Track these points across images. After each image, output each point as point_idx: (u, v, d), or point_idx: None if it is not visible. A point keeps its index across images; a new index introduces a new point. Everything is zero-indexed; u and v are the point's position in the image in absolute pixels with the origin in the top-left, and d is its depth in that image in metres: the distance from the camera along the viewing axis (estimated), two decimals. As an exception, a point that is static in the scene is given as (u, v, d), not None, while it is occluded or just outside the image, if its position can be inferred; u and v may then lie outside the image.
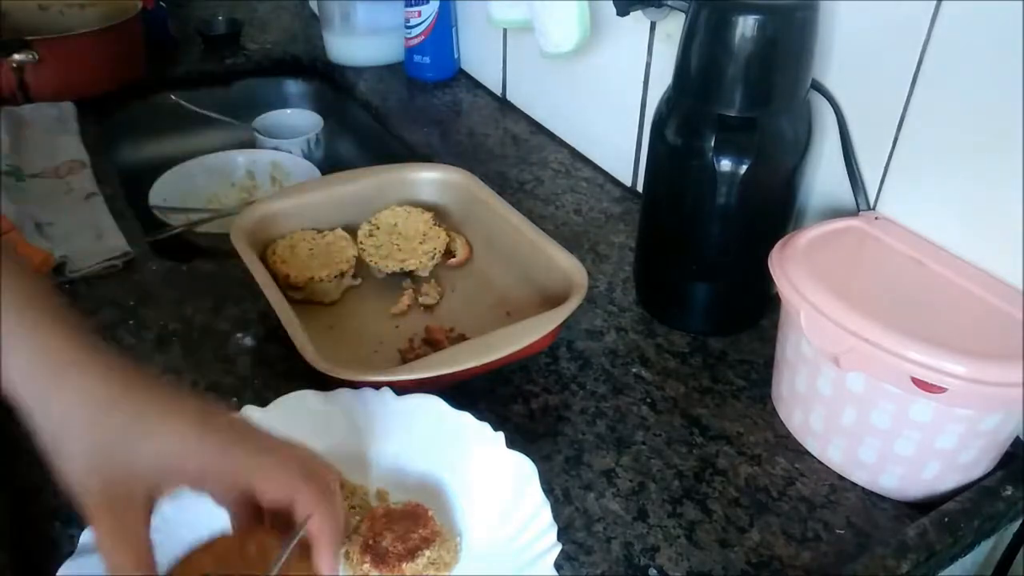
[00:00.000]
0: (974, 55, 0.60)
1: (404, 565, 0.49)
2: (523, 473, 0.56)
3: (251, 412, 0.58)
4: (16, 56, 1.02)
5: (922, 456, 0.58)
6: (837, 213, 0.72)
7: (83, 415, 0.41)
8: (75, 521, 0.51)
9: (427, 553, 0.50)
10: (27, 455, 0.54)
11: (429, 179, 0.87)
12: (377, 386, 0.61)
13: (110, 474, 0.41)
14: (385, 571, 0.49)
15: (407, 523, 0.51)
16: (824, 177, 0.74)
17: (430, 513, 0.52)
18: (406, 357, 0.71)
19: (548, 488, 0.58)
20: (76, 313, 0.45)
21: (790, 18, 0.63)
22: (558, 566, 0.52)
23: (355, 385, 0.61)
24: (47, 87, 1.06)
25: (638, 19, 0.84)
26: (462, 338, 0.72)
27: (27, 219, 0.80)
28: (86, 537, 0.50)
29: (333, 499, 0.44)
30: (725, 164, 0.66)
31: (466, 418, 0.59)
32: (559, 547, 0.51)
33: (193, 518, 0.46)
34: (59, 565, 0.48)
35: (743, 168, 0.66)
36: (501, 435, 0.58)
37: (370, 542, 0.51)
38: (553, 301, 0.69)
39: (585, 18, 0.88)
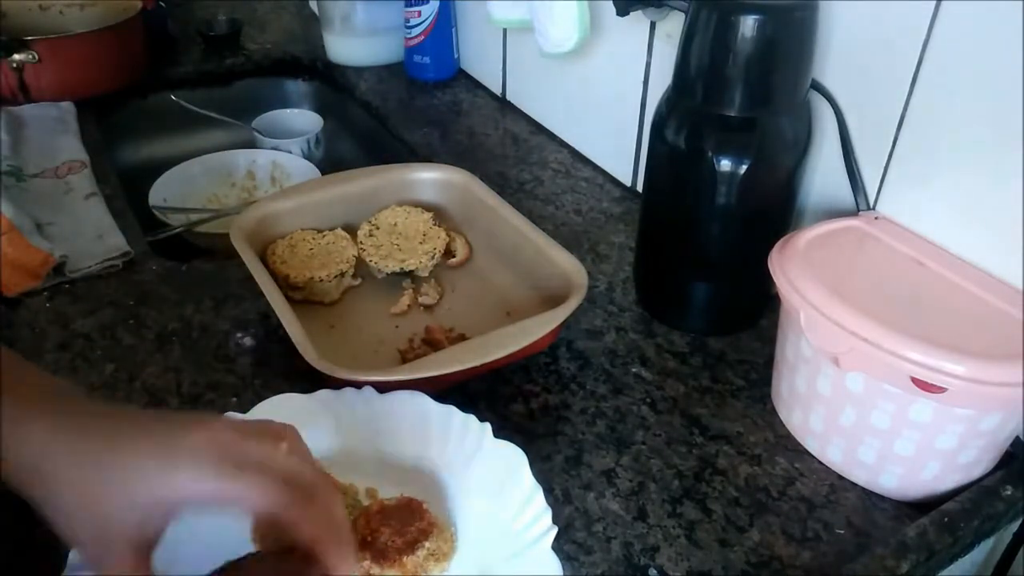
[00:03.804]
0: (974, 55, 0.60)
1: (405, 559, 0.49)
2: (512, 461, 0.56)
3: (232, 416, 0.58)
4: (16, 56, 1.02)
5: (922, 456, 0.58)
6: (837, 213, 0.72)
7: (62, 478, 0.41)
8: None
9: (426, 545, 0.50)
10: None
11: (429, 179, 0.87)
12: (378, 386, 0.61)
13: (95, 525, 0.41)
14: (387, 566, 0.49)
15: (402, 517, 0.51)
16: (824, 177, 0.74)
17: (424, 505, 0.52)
18: (406, 357, 0.71)
19: (548, 488, 0.58)
20: (30, 367, 0.46)
21: (790, 18, 0.63)
22: (558, 566, 0.52)
23: (356, 385, 0.61)
24: (47, 87, 1.06)
25: (638, 19, 0.84)
26: (462, 338, 0.72)
27: (27, 219, 0.80)
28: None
29: (317, 503, 0.43)
30: (725, 164, 0.66)
31: (451, 411, 0.59)
32: (555, 529, 0.52)
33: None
34: (59, 566, 0.48)
35: (743, 168, 0.66)
36: (487, 426, 0.58)
37: (368, 539, 0.51)
38: (553, 301, 0.69)
39: (585, 18, 0.88)
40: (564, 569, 0.51)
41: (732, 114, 0.65)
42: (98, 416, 0.44)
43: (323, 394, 0.61)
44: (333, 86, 1.31)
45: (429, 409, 0.60)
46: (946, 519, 0.57)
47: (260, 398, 0.62)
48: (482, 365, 0.63)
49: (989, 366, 0.53)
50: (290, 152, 1.15)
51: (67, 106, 1.06)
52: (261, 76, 1.32)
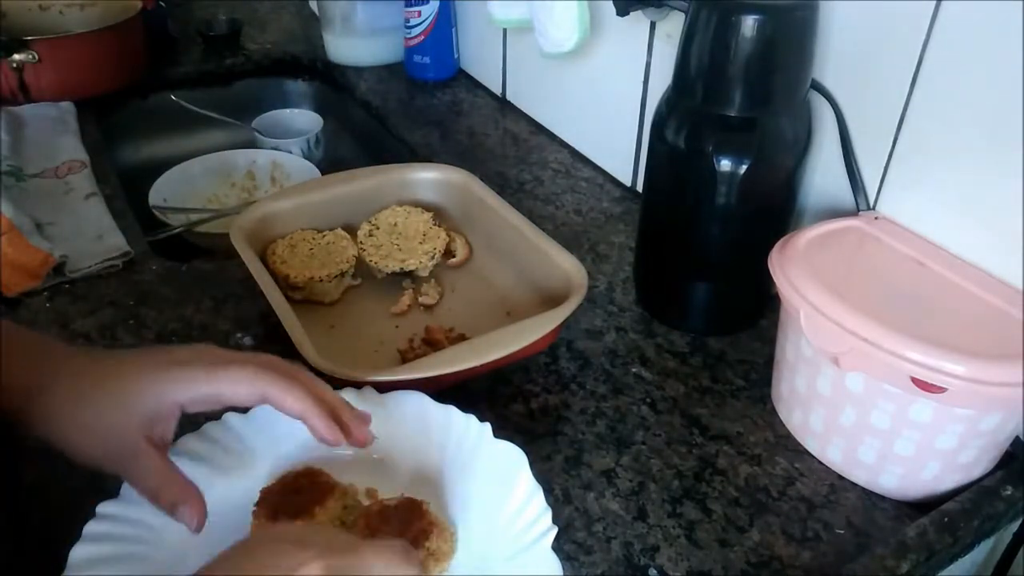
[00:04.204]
0: (974, 55, 0.60)
1: None
2: (513, 461, 0.56)
3: (233, 419, 0.58)
4: (16, 56, 1.02)
5: (922, 456, 0.58)
6: (837, 213, 0.72)
7: (66, 410, 0.48)
8: (75, 520, 0.51)
9: (426, 545, 0.50)
10: (29, 454, 0.54)
11: (429, 179, 0.87)
12: (378, 386, 0.61)
13: (106, 442, 0.48)
14: None
15: (402, 517, 0.51)
16: (824, 177, 0.74)
17: (424, 505, 0.52)
18: (406, 357, 0.71)
19: (548, 488, 0.58)
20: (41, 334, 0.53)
21: (790, 18, 0.63)
22: (558, 566, 0.52)
23: (356, 385, 0.61)
24: (47, 87, 1.06)
25: (638, 19, 0.85)
26: (462, 338, 0.72)
27: (27, 219, 0.80)
28: (104, 507, 0.52)
29: (296, 378, 0.50)
30: (725, 164, 0.66)
31: (451, 411, 0.59)
32: (555, 529, 0.52)
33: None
34: (58, 566, 0.48)
35: (743, 168, 0.66)
36: (487, 426, 0.58)
37: (368, 539, 0.51)
38: (553, 301, 0.69)
39: (585, 18, 0.88)
40: (564, 569, 0.51)
41: (732, 114, 0.65)
42: (93, 353, 0.52)
43: None
44: (333, 86, 1.31)
45: (429, 409, 0.60)
46: (946, 519, 0.57)
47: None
48: (482, 365, 0.63)
49: (989, 366, 0.53)
50: (290, 152, 1.15)
51: (67, 106, 1.06)
52: (261, 76, 1.32)
